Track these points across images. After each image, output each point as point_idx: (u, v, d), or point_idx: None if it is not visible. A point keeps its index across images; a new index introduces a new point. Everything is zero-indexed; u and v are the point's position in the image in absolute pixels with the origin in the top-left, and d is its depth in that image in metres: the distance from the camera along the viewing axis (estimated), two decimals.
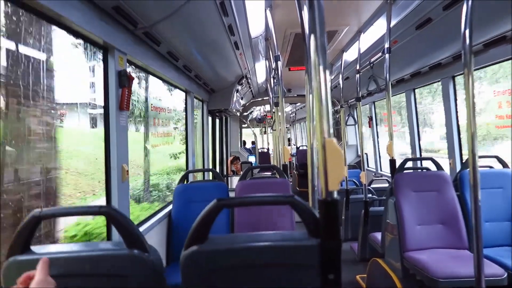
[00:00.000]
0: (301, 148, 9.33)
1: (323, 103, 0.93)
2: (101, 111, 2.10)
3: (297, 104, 10.76)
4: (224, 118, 7.24)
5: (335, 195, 0.91)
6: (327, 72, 0.96)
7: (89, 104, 2.50)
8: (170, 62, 3.08)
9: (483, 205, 1.68)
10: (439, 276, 2.18)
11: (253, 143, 14.43)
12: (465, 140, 3.49)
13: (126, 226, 0.97)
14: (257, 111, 11.48)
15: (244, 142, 11.80)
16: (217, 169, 6.39)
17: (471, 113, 1.65)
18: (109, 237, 2.09)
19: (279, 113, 3.86)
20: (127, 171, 2.14)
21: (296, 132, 16.82)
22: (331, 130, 0.93)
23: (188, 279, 0.94)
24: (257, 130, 17.08)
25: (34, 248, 1.00)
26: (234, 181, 6.38)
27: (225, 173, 7.08)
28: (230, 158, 7.37)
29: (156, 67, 2.72)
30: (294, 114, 13.80)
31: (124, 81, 2.05)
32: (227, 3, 2.29)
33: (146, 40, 2.40)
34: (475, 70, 1.94)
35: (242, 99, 6.79)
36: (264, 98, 7.68)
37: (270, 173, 5.71)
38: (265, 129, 12.94)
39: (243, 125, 9.65)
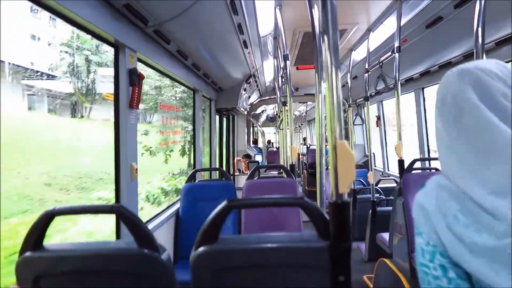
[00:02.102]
0: (311, 147, 9.28)
1: (335, 103, 0.92)
2: None
3: (308, 103, 10.71)
4: (231, 117, 7.25)
5: (346, 197, 0.91)
6: (338, 72, 0.95)
7: None
8: (179, 61, 3.09)
9: None
10: None
11: (269, 142, 14.42)
12: None
13: (137, 225, 0.98)
14: (270, 110, 11.44)
15: (255, 141, 11.75)
16: (223, 168, 6.40)
17: None
18: (118, 235, 2.11)
19: (287, 112, 3.85)
20: (136, 169, 2.15)
21: (312, 131, 16.77)
22: (343, 132, 0.92)
23: (198, 279, 0.94)
24: (271, 129, 17.13)
25: (46, 245, 1.01)
26: (240, 180, 6.39)
27: (231, 172, 7.09)
28: (237, 158, 7.37)
29: (165, 65, 2.73)
30: (305, 114, 13.75)
31: (135, 79, 2.06)
32: (237, 2, 2.29)
33: (156, 38, 2.40)
34: None
35: (249, 98, 6.78)
36: (272, 97, 7.67)
37: (276, 172, 5.71)
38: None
39: (256, 124, 9.63)
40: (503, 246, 0.60)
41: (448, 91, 0.76)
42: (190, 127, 4.55)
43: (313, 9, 1.62)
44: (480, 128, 0.69)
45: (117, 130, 2.06)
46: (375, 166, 6.52)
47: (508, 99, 0.68)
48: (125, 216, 0.98)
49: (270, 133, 17.84)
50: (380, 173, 6.03)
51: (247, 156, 7.25)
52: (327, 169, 1.35)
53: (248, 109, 7.24)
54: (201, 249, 0.93)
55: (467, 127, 0.71)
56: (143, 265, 0.95)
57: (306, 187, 8.00)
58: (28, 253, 0.97)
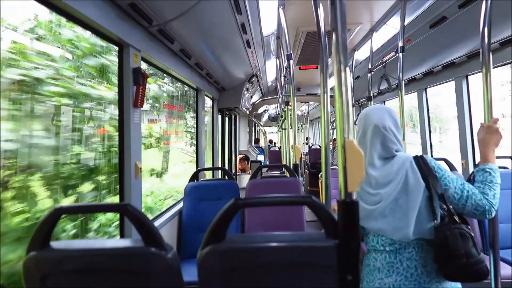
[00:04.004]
0: (313, 147, 9.26)
1: (344, 102, 0.92)
2: None
3: (310, 103, 10.70)
4: (233, 116, 7.25)
5: (354, 196, 0.90)
6: (348, 71, 0.95)
7: None
8: (183, 60, 3.09)
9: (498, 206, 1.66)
10: None
11: (270, 141, 14.41)
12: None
13: (144, 223, 0.97)
14: (272, 110, 11.43)
15: (257, 140, 11.73)
16: (225, 167, 6.40)
17: (489, 113, 1.62)
18: (122, 234, 2.11)
19: (290, 112, 3.85)
20: (140, 168, 2.15)
21: (314, 131, 16.78)
22: (352, 130, 0.92)
23: (205, 278, 0.94)
24: (272, 129, 17.13)
25: (53, 243, 1.01)
26: (242, 179, 6.39)
27: (233, 171, 7.08)
28: (239, 157, 7.36)
29: (168, 64, 2.73)
30: (307, 113, 13.73)
31: (139, 78, 2.06)
32: (241, 1, 2.29)
33: (160, 38, 2.41)
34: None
35: (251, 97, 6.78)
36: (274, 97, 7.67)
37: (278, 172, 5.71)
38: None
39: (258, 124, 9.62)
40: (371, 209, 1.41)
41: (364, 124, 1.52)
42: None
43: (318, 8, 1.61)
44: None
45: (121, 129, 2.06)
46: None
47: (386, 143, 1.45)
48: (132, 215, 0.98)
49: (272, 133, 17.85)
50: None
51: (245, 158, 7.22)
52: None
53: (250, 109, 7.24)
54: (208, 248, 0.92)
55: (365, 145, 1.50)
56: (150, 264, 0.95)
57: (308, 187, 7.99)
58: (35, 252, 0.96)
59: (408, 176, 1.36)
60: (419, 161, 1.39)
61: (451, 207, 1.34)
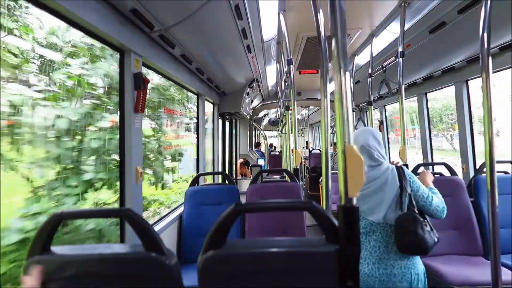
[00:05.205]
0: (313, 151, 9.24)
1: (344, 107, 0.92)
2: None
3: (310, 107, 10.71)
4: (233, 120, 7.25)
5: (355, 201, 0.90)
6: (348, 76, 0.95)
7: None
8: (184, 65, 3.10)
9: (498, 211, 1.65)
10: (454, 283, 2.14)
11: (271, 145, 14.42)
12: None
13: (145, 228, 0.98)
14: (273, 114, 11.43)
15: (258, 144, 11.74)
16: (226, 172, 6.39)
17: (488, 118, 1.63)
18: (122, 239, 2.10)
19: (290, 116, 3.85)
20: (141, 173, 2.15)
21: (314, 135, 16.79)
22: (352, 135, 0.92)
23: (206, 283, 0.93)
24: (273, 133, 17.13)
25: (54, 248, 1.01)
26: (243, 184, 6.38)
27: (234, 176, 7.07)
28: (239, 161, 7.36)
29: (169, 69, 2.74)
30: (307, 118, 13.74)
31: (140, 83, 2.07)
32: (242, 7, 2.30)
33: (161, 43, 2.42)
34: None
35: (252, 102, 6.79)
36: (274, 102, 7.68)
37: (279, 177, 5.70)
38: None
39: (259, 128, 9.60)
40: (361, 195, 1.81)
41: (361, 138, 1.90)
42: None
43: (318, 14, 1.62)
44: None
45: (122, 134, 2.07)
46: None
47: (372, 156, 1.87)
48: (133, 220, 0.98)
49: (272, 137, 17.87)
50: None
51: (245, 163, 7.20)
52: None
53: (250, 113, 7.24)
54: (209, 253, 0.92)
55: None
56: (151, 269, 0.95)
57: (309, 191, 7.97)
58: (36, 257, 0.97)
59: (388, 177, 1.81)
60: (399, 169, 1.82)
61: (420, 205, 1.80)
